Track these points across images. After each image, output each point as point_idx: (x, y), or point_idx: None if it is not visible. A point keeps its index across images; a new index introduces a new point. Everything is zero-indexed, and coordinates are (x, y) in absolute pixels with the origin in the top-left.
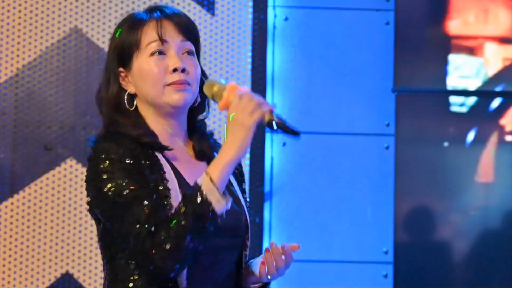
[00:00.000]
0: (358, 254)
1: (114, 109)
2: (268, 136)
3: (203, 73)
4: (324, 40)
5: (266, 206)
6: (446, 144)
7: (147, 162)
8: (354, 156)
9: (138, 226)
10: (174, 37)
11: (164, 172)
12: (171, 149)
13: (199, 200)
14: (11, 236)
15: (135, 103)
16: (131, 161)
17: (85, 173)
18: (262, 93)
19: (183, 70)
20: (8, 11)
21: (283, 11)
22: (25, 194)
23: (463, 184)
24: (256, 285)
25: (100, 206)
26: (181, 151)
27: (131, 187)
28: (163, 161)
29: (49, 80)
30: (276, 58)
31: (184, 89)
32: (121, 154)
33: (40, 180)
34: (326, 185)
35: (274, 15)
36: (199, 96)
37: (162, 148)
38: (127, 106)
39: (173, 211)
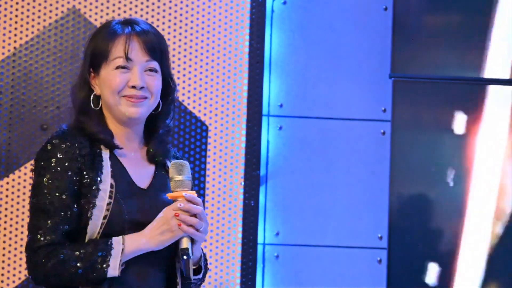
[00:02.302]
0: (352, 239)
1: (81, 106)
2: (264, 119)
3: (169, 86)
4: (322, 24)
5: (262, 190)
6: (441, 131)
7: (91, 161)
8: (350, 141)
9: (36, 234)
10: (139, 56)
11: (102, 173)
12: (121, 148)
13: (100, 259)
14: (6, 216)
15: (100, 103)
16: (72, 164)
17: (35, 158)
18: (260, 76)
19: (142, 88)
20: None
21: None
22: (20, 174)
23: (458, 171)
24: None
25: (31, 198)
26: (134, 152)
27: (56, 194)
28: (106, 162)
29: (46, 60)
30: (274, 42)
31: (139, 103)
32: (65, 155)
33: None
34: (322, 169)
35: None
36: (161, 105)
37: (113, 147)
38: (93, 106)
39: (77, 252)
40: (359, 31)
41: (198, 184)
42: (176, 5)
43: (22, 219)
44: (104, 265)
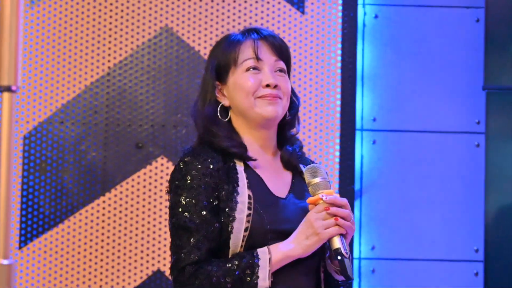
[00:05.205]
0: (448, 253)
1: (209, 121)
2: (358, 134)
3: (293, 92)
4: (414, 37)
5: (356, 204)
6: None
7: (226, 175)
8: (444, 154)
9: (180, 254)
10: (268, 56)
11: (238, 186)
12: (255, 160)
13: (249, 271)
14: (103, 234)
15: (229, 115)
16: (207, 179)
17: (169, 179)
18: (352, 91)
19: (276, 86)
20: (100, 10)
21: (373, 9)
22: (116, 193)
23: None
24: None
25: (170, 218)
26: (269, 161)
27: (196, 211)
28: (241, 174)
29: (140, 79)
30: (366, 56)
31: (275, 102)
32: (200, 172)
33: (132, 179)
34: (416, 183)
35: (363, 13)
36: (287, 113)
37: (247, 159)
38: (220, 117)
39: (223, 267)
40: (451, 44)
41: None
42: (267, 21)
43: (119, 237)
44: (254, 277)
